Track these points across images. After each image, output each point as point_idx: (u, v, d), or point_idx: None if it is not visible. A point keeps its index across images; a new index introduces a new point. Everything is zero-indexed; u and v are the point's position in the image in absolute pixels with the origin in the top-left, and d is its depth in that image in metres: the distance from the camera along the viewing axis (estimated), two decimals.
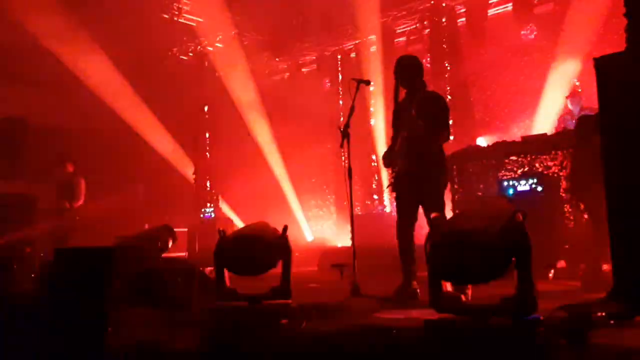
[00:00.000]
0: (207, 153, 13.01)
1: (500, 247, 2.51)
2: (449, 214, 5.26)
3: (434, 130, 4.51)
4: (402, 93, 4.86)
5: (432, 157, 4.61)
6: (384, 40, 11.58)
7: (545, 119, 8.91)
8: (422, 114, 4.47)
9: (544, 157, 6.19)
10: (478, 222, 2.65)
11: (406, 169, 4.65)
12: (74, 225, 8.36)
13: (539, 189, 6.06)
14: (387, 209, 11.47)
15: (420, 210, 4.67)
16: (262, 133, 12.53)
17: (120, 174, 11.05)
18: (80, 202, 8.50)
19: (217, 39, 12.75)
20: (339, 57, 12.88)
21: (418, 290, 4.48)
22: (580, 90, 7.94)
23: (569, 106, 7.47)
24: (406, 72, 4.76)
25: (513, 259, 2.51)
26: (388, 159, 4.88)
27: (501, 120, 10.17)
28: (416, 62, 4.84)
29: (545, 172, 6.16)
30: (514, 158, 6.40)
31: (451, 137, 5.12)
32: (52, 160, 8.70)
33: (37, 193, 8.35)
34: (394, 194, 4.82)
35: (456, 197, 6.87)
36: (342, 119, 11.53)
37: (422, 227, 4.58)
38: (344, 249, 8.57)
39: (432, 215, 2.90)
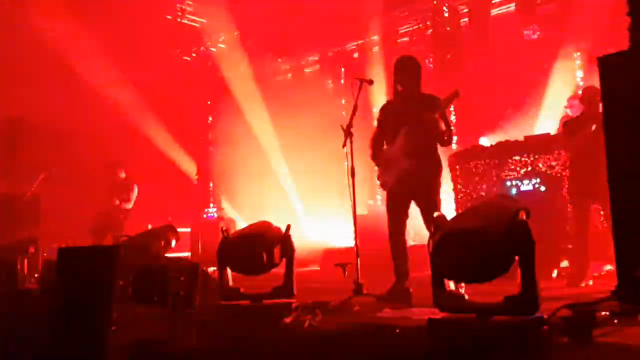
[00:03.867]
0: (210, 153, 13.03)
1: (504, 246, 2.50)
2: (450, 214, 5.25)
3: (449, 133, 4.54)
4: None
5: (432, 157, 4.61)
6: (387, 40, 11.57)
7: (548, 119, 8.90)
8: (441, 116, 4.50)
9: (547, 156, 6.19)
10: (481, 220, 2.64)
11: (404, 166, 4.56)
12: (115, 223, 8.51)
13: (542, 188, 6.07)
14: None
15: (416, 211, 4.66)
16: (265, 133, 12.53)
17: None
18: (130, 205, 8.72)
19: (220, 39, 12.76)
20: (342, 57, 12.87)
21: (411, 290, 4.47)
22: (581, 83, 7.91)
23: (568, 112, 7.44)
24: (406, 73, 4.74)
25: (516, 257, 2.51)
26: (376, 157, 4.88)
27: (504, 120, 10.14)
28: (416, 63, 4.81)
29: (548, 172, 6.16)
30: (517, 158, 6.39)
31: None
32: (103, 167, 9.02)
33: (39, 193, 8.39)
34: (385, 191, 4.73)
35: (459, 196, 6.87)
36: (345, 119, 11.51)
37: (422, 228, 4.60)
38: (346, 249, 8.57)
39: (435, 214, 2.89)
